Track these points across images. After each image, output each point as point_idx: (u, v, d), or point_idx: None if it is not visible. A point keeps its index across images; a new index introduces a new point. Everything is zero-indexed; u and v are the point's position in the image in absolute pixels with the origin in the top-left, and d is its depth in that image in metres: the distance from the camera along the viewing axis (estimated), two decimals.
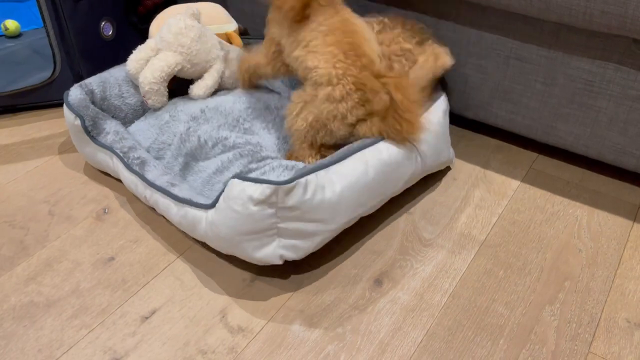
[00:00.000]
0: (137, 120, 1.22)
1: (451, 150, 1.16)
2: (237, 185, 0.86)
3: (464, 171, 1.20)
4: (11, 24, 1.56)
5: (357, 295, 0.94)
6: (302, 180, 0.87)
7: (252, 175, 0.98)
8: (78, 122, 1.10)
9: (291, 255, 0.92)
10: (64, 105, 1.11)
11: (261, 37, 1.40)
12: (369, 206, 0.99)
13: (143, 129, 1.17)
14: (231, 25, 1.35)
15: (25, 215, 1.08)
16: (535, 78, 1.12)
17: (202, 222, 0.92)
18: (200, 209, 0.92)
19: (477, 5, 1.11)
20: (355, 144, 0.99)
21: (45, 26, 1.26)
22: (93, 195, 1.13)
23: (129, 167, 1.04)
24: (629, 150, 1.09)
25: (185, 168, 1.08)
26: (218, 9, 1.37)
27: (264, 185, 0.85)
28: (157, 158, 1.11)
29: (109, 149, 1.08)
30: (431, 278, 0.97)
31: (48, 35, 1.28)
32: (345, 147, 0.98)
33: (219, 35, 1.30)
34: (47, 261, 0.99)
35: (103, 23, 1.38)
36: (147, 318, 0.90)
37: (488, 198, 1.14)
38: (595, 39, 1.02)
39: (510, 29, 1.10)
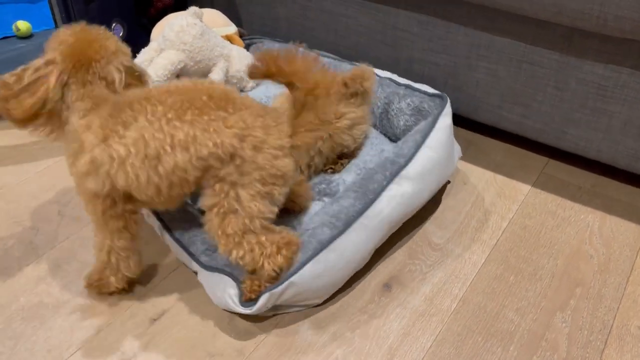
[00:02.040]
0: None
1: (456, 154, 1.12)
2: (230, 288, 0.85)
3: (474, 175, 1.20)
4: (23, 25, 1.57)
5: (366, 299, 0.93)
6: (296, 277, 0.84)
7: None
8: None
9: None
10: None
11: (264, 37, 1.41)
12: (368, 258, 0.97)
13: None
14: (230, 28, 1.36)
15: (35, 215, 1.09)
16: (547, 82, 1.12)
17: (199, 274, 0.92)
18: (194, 261, 0.91)
19: (489, 9, 1.10)
20: (357, 206, 0.92)
21: (56, 27, 1.27)
22: None
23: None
24: None
25: None
26: (218, 13, 1.39)
27: (260, 304, 0.83)
28: None
29: None
30: (441, 283, 0.96)
31: None
32: (345, 211, 0.92)
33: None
34: (56, 262, 0.99)
35: (114, 25, 1.39)
36: (155, 320, 0.90)
37: (498, 202, 1.13)
38: (609, 43, 1.01)
39: (522, 32, 1.10)
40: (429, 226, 1.07)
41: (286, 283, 0.84)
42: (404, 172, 0.97)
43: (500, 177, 1.19)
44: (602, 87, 1.06)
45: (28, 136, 1.30)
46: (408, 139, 1.04)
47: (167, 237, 0.96)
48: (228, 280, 0.86)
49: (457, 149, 1.13)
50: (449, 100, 1.10)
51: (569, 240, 1.04)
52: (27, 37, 1.58)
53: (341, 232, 0.89)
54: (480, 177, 1.19)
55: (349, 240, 0.89)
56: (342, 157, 1.11)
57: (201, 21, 1.23)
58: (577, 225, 1.08)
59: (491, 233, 1.06)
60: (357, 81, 1.06)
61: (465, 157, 1.25)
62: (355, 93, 1.07)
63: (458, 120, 1.31)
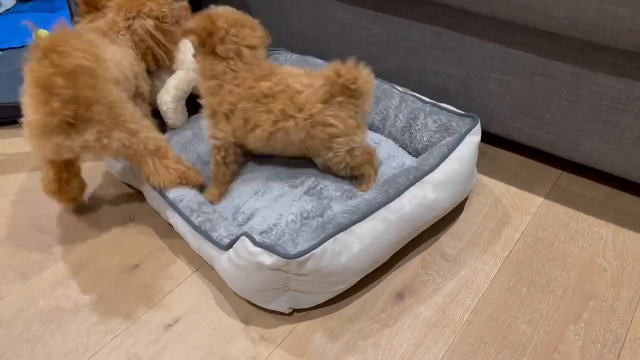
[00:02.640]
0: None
1: (475, 173, 1.14)
2: (249, 247, 0.85)
3: (487, 187, 1.20)
4: (43, 34, 1.60)
5: (379, 309, 0.94)
6: (318, 250, 0.86)
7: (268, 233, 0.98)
8: None
9: (301, 306, 0.93)
10: None
11: (278, 49, 1.43)
12: (387, 258, 0.99)
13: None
14: None
15: (54, 220, 1.11)
16: (560, 95, 1.12)
17: (216, 263, 0.93)
18: (215, 247, 0.91)
19: (502, 22, 1.11)
20: (379, 199, 0.95)
21: None
22: (120, 203, 1.15)
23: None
24: None
25: None
26: None
27: (276, 257, 0.84)
28: None
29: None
30: (453, 294, 0.97)
31: None
32: (366, 202, 0.94)
33: None
34: (74, 267, 1.01)
35: None
36: (171, 326, 0.91)
37: (511, 214, 1.13)
38: (623, 57, 1.02)
39: (536, 45, 1.10)
40: (443, 237, 1.08)
41: (309, 255, 0.85)
42: (427, 178, 1.00)
43: (513, 189, 1.20)
44: (616, 100, 1.06)
45: None
46: (434, 151, 1.06)
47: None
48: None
49: (474, 170, 1.15)
50: (479, 121, 1.11)
51: (582, 253, 1.05)
52: None
53: (361, 219, 0.91)
54: (493, 189, 1.20)
55: (368, 228, 0.91)
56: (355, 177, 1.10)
57: None
58: (590, 238, 1.08)
59: (504, 245, 1.06)
60: (353, 75, 0.97)
61: (478, 168, 1.25)
62: (348, 90, 0.98)
63: None
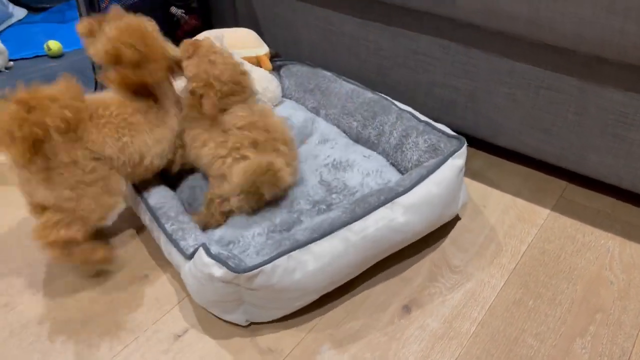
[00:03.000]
0: None
1: (462, 198, 1.12)
2: (203, 258, 0.86)
3: (493, 198, 1.21)
4: (54, 45, 1.63)
5: (386, 321, 0.95)
6: (268, 267, 0.85)
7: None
8: None
9: (258, 320, 0.93)
10: None
11: (292, 60, 1.45)
12: (348, 278, 0.97)
13: None
14: (262, 49, 1.40)
15: None
16: (567, 108, 1.13)
17: (182, 271, 0.94)
18: (181, 255, 0.92)
19: (509, 36, 1.12)
20: (343, 217, 0.93)
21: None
22: (131, 212, 1.16)
23: (134, 185, 1.07)
24: None
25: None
26: (250, 34, 1.42)
27: (225, 270, 0.84)
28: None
29: None
30: (460, 306, 0.97)
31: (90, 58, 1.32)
32: (329, 220, 0.93)
33: (249, 58, 1.35)
34: (84, 277, 1.02)
35: None
36: (179, 336, 0.92)
37: (518, 226, 1.14)
38: (629, 71, 1.03)
39: (542, 59, 1.11)
40: (449, 248, 1.08)
41: (257, 270, 0.85)
42: (398, 200, 0.97)
43: (519, 201, 1.20)
44: (623, 114, 1.07)
45: None
46: (413, 172, 1.04)
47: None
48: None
49: (464, 194, 1.13)
50: (466, 144, 1.09)
51: (588, 265, 1.05)
52: (58, 56, 1.64)
53: (320, 237, 0.90)
54: (499, 201, 1.20)
55: (326, 247, 0.90)
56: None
57: (222, 45, 1.27)
58: (597, 250, 1.08)
59: (510, 257, 1.07)
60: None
61: (484, 180, 1.26)
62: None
63: (478, 143, 1.33)
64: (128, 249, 1.08)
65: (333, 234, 0.91)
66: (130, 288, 1.00)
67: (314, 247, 0.89)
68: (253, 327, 0.93)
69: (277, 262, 0.86)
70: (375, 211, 0.95)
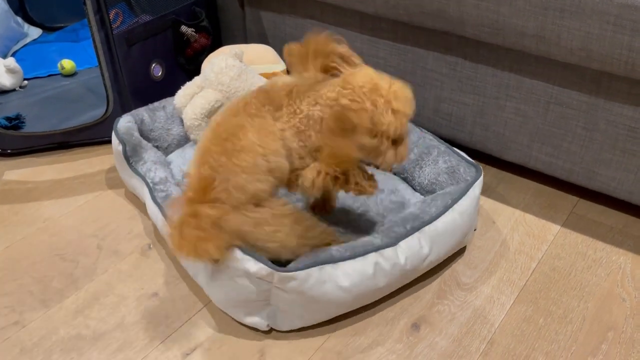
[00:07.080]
0: (179, 149, 1.32)
1: (472, 232, 1.12)
2: (237, 253, 0.88)
3: (503, 214, 1.20)
4: (67, 64, 1.66)
5: (395, 339, 0.94)
6: (302, 273, 0.87)
7: None
8: (120, 148, 1.17)
9: (279, 326, 0.94)
10: (113, 131, 1.21)
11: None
12: (371, 301, 0.98)
13: (182, 161, 1.27)
14: (279, 66, 1.41)
15: (76, 248, 1.13)
16: (576, 123, 1.12)
17: (200, 274, 0.94)
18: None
19: (517, 52, 1.13)
20: (376, 241, 0.94)
21: (100, 68, 1.34)
22: (139, 230, 1.17)
23: (154, 198, 1.08)
24: None
25: None
26: (269, 50, 1.45)
27: (261, 266, 0.86)
28: None
29: (142, 177, 1.14)
30: (469, 324, 0.96)
31: (103, 77, 1.35)
32: (364, 242, 0.95)
33: (266, 74, 1.36)
34: (94, 295, 1.03)
35: (153, 65, 1.45)
36: (188, 354, 0.92)
37: (528, 242, 1.13)
38: (638, 86, 1.02)
39: (550, 75, 1.11)
40: (458, 265, 1.08)
41: (292, 274, 0.87)
42: (426, 229, 0.98)
43: (529, 217, 1.19)
44: (633, 129, 1.06)
45: (70, 171, 1.36)
46: (437, 199, 1.04)
47: None
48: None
49: (475, 222, 1.12)
50: (482, 172, 1.10)
51: (600, 282, 1.04)
52: (72, 75, 1.67)
53: (351, 257, 0.91)
54: (509, 216, 1.19)
55: (357, 267, 0.91)
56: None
57: (241, 61, 1.29)
58: (608, 267, 1.07)
59: (520, 273, 1.06)
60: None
61: (494, 196, 1.25)
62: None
63: (487, 158, 1.32)
64: (137, 267, 1.09)
65: (365, 256, 0.92)
66: (140, 306, 1.01)
67: (347, 265, 0.91)
68: (262, 346, 0.93)
69: (310, 270, 0.88)
70: (404, 240, 0.96)
